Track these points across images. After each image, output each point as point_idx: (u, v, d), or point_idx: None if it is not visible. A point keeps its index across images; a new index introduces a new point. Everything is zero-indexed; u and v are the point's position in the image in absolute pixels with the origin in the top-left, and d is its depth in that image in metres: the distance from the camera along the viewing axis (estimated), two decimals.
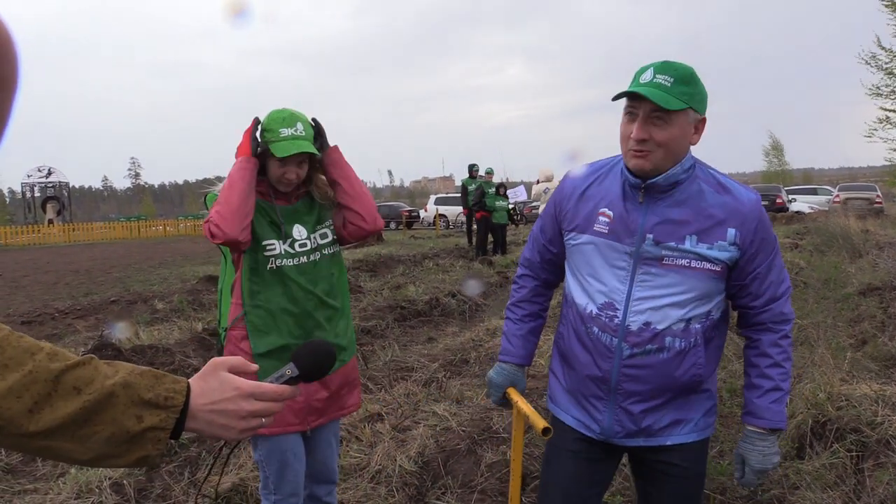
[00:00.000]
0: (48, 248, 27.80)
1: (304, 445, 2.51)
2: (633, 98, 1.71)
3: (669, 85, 1.67)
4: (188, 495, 3.58)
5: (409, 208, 38.81)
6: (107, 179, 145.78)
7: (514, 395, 2.05)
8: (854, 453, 3.38)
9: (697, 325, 1.80)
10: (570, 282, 1.97)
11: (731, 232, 1.75)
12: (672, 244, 1.76)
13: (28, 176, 40.73)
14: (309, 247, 2.40)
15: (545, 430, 1.80)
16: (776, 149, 53.34)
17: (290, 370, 1.18)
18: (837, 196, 26.56)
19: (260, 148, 2.33)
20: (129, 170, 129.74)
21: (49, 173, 40.53)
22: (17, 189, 46.80)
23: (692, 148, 1.81)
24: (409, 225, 32.05)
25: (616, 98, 1.74)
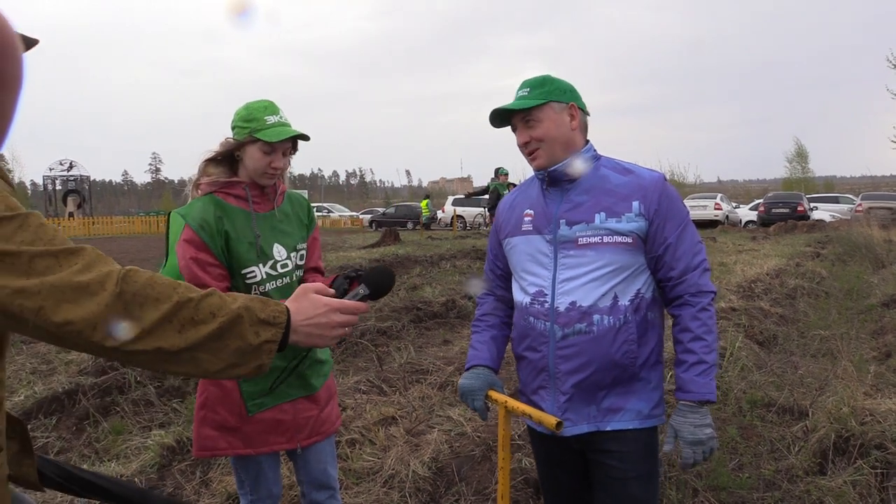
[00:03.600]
0: None
1: (293, 461, 2.48)
2: (506, 117, 2.01)
3: (527, 93, 1.96)
4: (199, 494, 3.56)
5: None
6: (127, 174, 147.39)
7: (501, 397, 2.03)
8: (878, 470, 3.29)
9: (626, 303, 1.92)
10: (513, 286, 2.13)
11: (636, 204, 1.91)
12: (583, 224, 1.93)
13: (50, 169, 41.23)
14: (290, 267, 2.34)
15: (558, 425, 1.82)
16: (800, 155, 52.49)
17: (362, 290, 1.49)
18: (860, 205, 26.15)
19: (244, 138, 2.22)
20: (150, 165, 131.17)
21: (70, 167, 41.03)
22: (40, 182, 47.31)
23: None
24: (426, 226, 32.02)
25: (494, 124, 2.03)
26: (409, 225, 33.64)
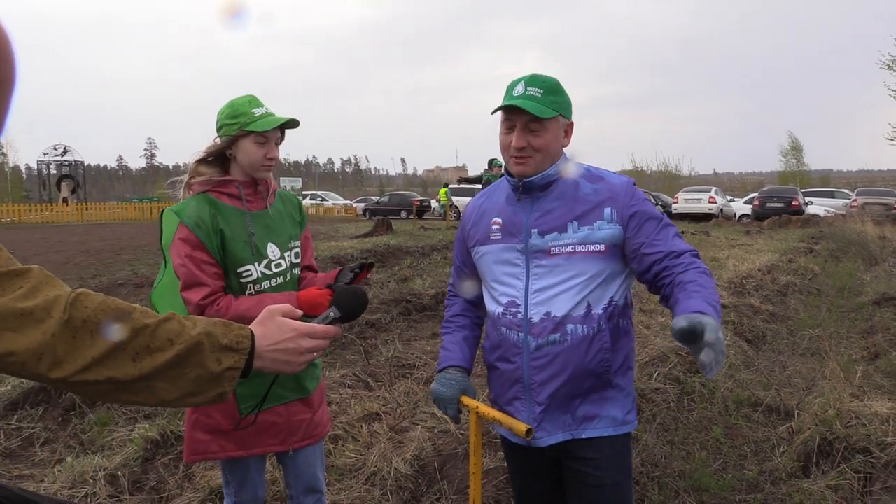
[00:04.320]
0: (61, 226, 27.99)
1: (282, 463, 2.46)
2: (510, 111, 1.87)
3: (540, 96, 1.85)
4: (182, 488, 3.54)
5: (420, 198, 38.69)
6: (122, 159, 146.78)
7: (473, 403, 2.02)
8: (862, 475, 3.29)
9: (600, 311, 1.89)
10: (484, 295, 2.10)
11: (608, 211, 1.88)
12: (555, 233, 1.89)
13: (44, 154, 40.98)
14: (283, 267, 2.31)
15: (528, 431, 1.81)
16: (795, 149, 52.46)
17: (333, 312, 1.43)
18: (855, 200, 26.18)
19: (236, 133, 2.18)
20: (146, 150, 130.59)
21: (64, 151, 40.76)
22: (34, 166, 47.05)
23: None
24: (419, 215, 31.96)
25: (495, 112, 1.90)
26: (403, 214, 33.57)
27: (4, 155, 52.64)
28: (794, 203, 26.00)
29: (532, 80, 1.87)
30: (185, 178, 2.28)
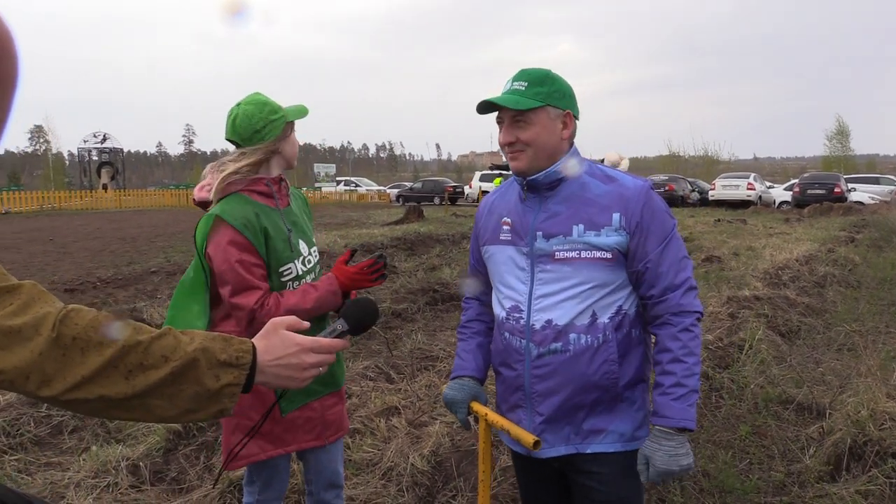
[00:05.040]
0: (100, 213, 28.60)
1: (304, 460, 2.44)
2: (499, 109, 1.82)
3: (524, 89, 1.79)
4: (202, 479, 3.57)
5: (454, 184, 38.52)
6: (161, 145, 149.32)
7: (482, 409, 1.96)
8: (894, 480, 3.16)
9: (606, 320, 1.80)
10: (492, 297, 2.03)
11: (616, 216, 1.78)
12: (560, 237, 1.80)
13: (84, 141, 41.93)
14: (313, 262, 2.29)
15: (536, 444, 1.75)
16: (841, 133, 50.77)
17: (340, 325, 1.37)
18: None
19: (285, 129, 2.18)
20: (184, 136, 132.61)
21: (104, 139, 41.66)
22: (76, 152, 48.20)
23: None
24: (452, 201, 31.86)
25: (479, 111, 1.84)
26: (436, 200, 33.50)
27: (47, 142, 53.96)
28: (836, 190, 25.20)
29: (519, 75, 1.83)
30: (225, 175, 2.13)
